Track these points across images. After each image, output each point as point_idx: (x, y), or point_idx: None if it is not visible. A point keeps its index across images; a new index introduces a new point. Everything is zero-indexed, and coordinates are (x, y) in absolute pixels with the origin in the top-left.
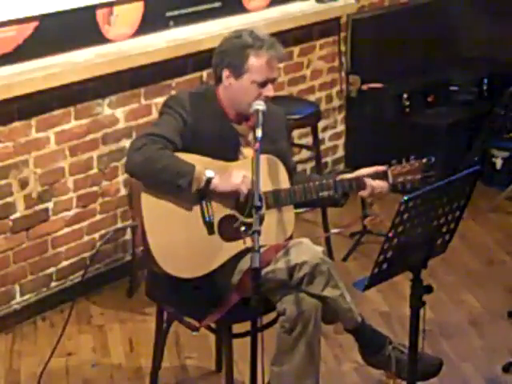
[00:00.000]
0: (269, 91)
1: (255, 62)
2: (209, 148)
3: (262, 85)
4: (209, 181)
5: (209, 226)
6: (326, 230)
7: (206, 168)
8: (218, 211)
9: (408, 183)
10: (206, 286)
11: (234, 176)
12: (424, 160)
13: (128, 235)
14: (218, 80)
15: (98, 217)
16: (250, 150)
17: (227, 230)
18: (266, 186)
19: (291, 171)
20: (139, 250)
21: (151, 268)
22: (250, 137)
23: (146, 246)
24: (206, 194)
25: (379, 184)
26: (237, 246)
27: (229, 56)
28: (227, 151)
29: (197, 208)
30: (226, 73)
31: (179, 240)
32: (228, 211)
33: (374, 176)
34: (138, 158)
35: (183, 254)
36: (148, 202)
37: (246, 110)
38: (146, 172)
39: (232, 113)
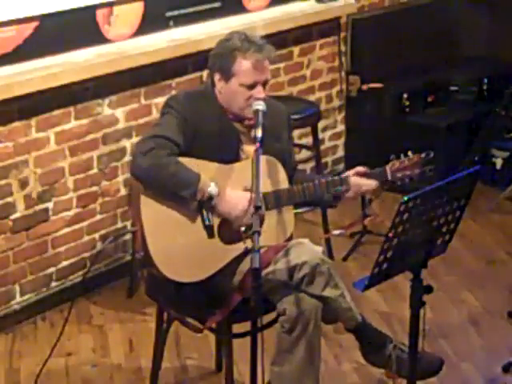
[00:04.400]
0: (259, 93)
1: (242, 64)
2: (210, 147)
3: (251, 87)
4: (210, 197)
5: (209, 229)
6: (326, 230)
7: (211, 179)
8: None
9: (407, 178)
10: (207, 288)
11: (233, 207)
12: (422, 154)
13: (128, 235)
14: (212, 83)
15: (98, 217)
16: (252, 148)
17: (227, 233)
18: (265, 187)
19: (292, 169)
20: (139, 253)
21: (151, 270)
22: (253, 134)
23: (146, 250)
24: (206, 206)
25: (363, 182)
26: (236, 249)
27: (219, 59)
28: (228, 149)
29: (196, 212)
30: (217, 76)
31: (179, 244)
32: None
33: (358, 175)
34: (144, 162)
35: (183, 258)
36: (147, 205)
37: (240, 112)
38: (151, 178)
39: (230, 112)
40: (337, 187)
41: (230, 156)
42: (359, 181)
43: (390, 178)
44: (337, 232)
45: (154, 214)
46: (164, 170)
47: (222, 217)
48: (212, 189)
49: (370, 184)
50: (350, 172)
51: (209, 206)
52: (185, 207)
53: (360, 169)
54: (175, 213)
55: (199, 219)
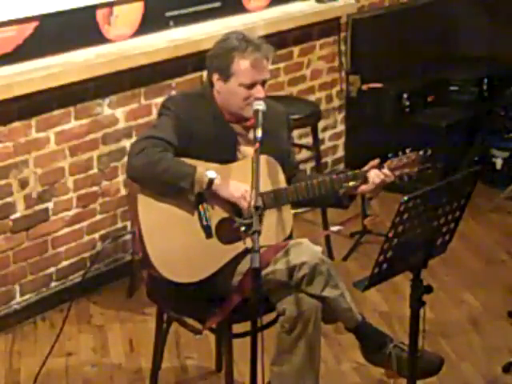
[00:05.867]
0: (258, 93)
1: (240, 64)
2: (207, 148)
3: (250, 87)
4: (211, 182)
5: (206, 229)
6: (326, 229)
7: (207, 169)
8: (216, 214)
9: (405, 176)
10: (207, 288)
11: (235, 188)
12: (420, 152)
13: (128, 235)
14: (211, 83)
15: (98, 217)
16: (249, 149)
17: (225, 232)
18: (264, 186)
19: (292, 169)
20: (138, 254)
21: (150, 271)
22: (251, 135)
23: (144, 251)
24: (207, 195)
25: (375, 173)
26: (235, 249)
27: (216, 60)
28: (225, 151)
29: (194, 212)
30: (215, 77)
31: (177, 245)
32: (225, 214)
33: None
34: (138, 161)
35: (181, 258)
36: (144, 206)
37: (239, 112)
38: (147, 176)
39: (228, 113)
40: (354, 181)
41: (226, 157)
42: (375, 172)
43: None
44: (335, 228)
45: (152, 215)
46: (159, 165)
47: (225, 199)
48: (210, 173)
49: (386, 174)
50: (365, 168)
51: (209, 193)
52: (181, 206)
53: (374, 162)
54: (173, 213)
55: (197, 219)
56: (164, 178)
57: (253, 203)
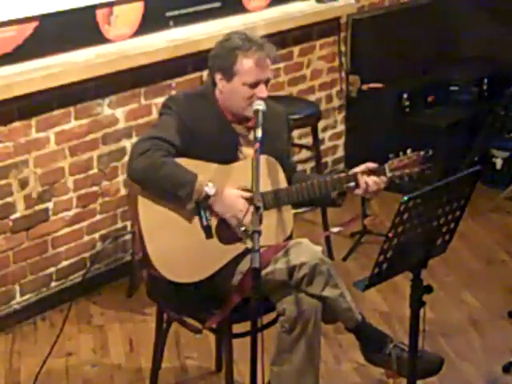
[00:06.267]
0: (261, 92)
1: (244, 63)
2: (208, 148)
3: (254, 86)
4: (207, 196)
5: (207, 229)
6: (326, 229)
7: (208, 180)
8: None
9: (406, 176)
10: (207, 288)
11: (229, 207)
12: (421, 152)
13: (128, 235)
14: (213, 83)
15: (98, 217)
16: (251, 150)
17: (225, 233)
18: (265, 186)
19: (291, 170)
20: (138, 254)
21: (150, 271)
22: (251, 136)
23: (144, 251)
24: (205, 205)
25: (373, 180)
26: (235, 249)
27: (219, 59)
28: (226, 151)
29: (194, 212)
30: (218, 76)
31: (177, 245)
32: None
33: (368, 173)
34: (140, 163)
35: (182, 259)
36: (145, 206)
37: (241, 112)
38: (147, 179)
39: (230, 113)
40: (348, 184)
41: (227, 157)
42: (367, 179)
43: (389, 175)
44: (335, 229)
45: (152, 215)
46: (160, 170)
47: (219, 216)
48: (209, 188)
49: (377, 183)
50: (359, 169)
51: (206, 205)
52: (182, 208)
53: (370, 165)
54: (173, 213)
55: (197, 219)
56: (163, 184)
57: (253, 203)
